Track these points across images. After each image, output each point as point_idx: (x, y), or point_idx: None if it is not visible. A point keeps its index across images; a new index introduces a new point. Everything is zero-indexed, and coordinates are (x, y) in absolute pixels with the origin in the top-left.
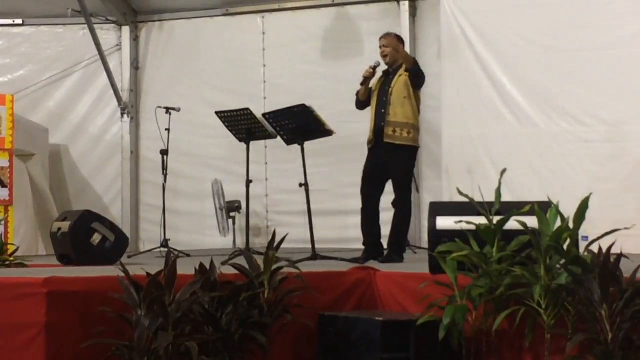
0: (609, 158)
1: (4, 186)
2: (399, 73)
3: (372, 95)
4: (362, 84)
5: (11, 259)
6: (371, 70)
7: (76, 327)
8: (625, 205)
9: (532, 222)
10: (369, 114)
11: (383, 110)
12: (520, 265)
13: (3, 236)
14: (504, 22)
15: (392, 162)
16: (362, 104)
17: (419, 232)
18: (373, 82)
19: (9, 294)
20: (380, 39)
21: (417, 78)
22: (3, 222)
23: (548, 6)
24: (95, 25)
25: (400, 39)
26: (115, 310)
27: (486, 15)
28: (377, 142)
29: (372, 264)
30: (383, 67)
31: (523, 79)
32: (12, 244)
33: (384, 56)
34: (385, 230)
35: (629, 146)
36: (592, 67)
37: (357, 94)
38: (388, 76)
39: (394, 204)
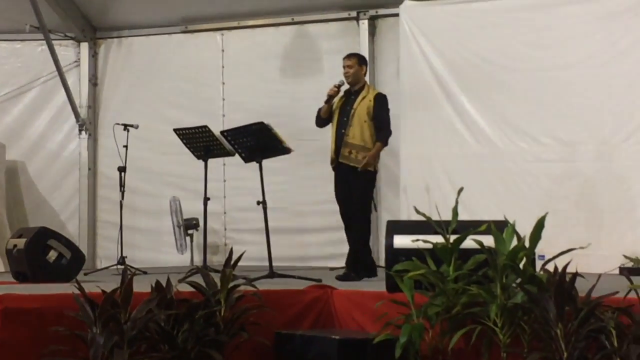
0: (565, 177)
1: None
2: (362, 95)
3: (333, 114)
4: (326, 102)
5: None
6: (336, 89)
7: (31, 345)
8: (581, 224)
9: (488, 241)
10: (328, 132)
11: (343, 131)
12: (477, 284)
13: None
14: (463, 41)
15: (351, 182)
16: (323, 121)
17: (377, 250)
18: (334, 101)
19: None
20: (344, 58)
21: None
22: None
23: (506, 26)
24: (53, 42)
25: (363, 60)
26: (71, 327)
27: (445, 34)
28: (337, 163)
29: (331, 282)
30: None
31: (481, 99)
32: None
33: (346, 76)
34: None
35: (584, 166)
36: (549, 87)
37: (319, 111)
38: (350, 96)
39: (354, 223)
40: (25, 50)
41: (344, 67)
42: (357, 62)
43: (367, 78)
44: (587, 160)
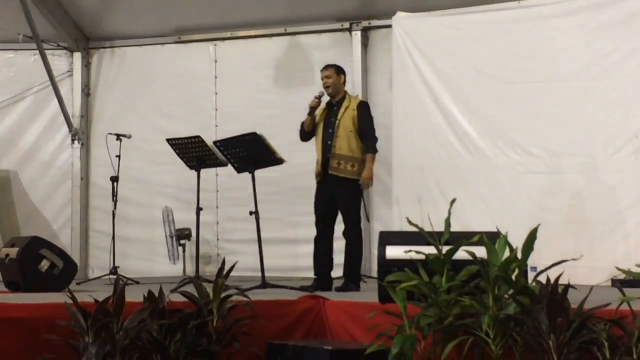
0: (556, 189)
1: None
2: (344, 105)
3: (316, 126)
4: (308, 114)
5: None
6: (317, 100)
7: (23, 354)
8: (572, 236)
9: (480, 252)
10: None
11: (329, 142)
12: (469, 295)
13: None
14: (455, 53)
15: (338, 194)
16: (307, 134)
17: (369, 261)
18: (316, 113)
19: None
20: (322, 70)
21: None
22: None
23: (498, 38)
24: (46, 51)
25: (340, 70)
26: (63, 337)
27: (437, 45)
28: (324, 174)
29: (323, 292)
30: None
31: (473, 110)
32: None
33: (326, 87)
34: (338, 259)
35: (574, 177)
36: (541, 99)
37: (302, 124)
38: (332, 107)
39: (344, 234)
40: (18, 59)
41: (322, 78)
42: (335, 72)
43: (359, 89)
44: (577, 172)
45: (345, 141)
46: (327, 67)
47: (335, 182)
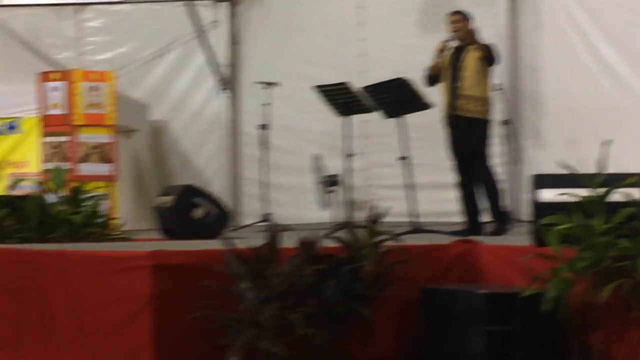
0: None
1: (108, 162)
2: (469, 48)
3: (443, 70)
4: (436, 59)
5: (116, 232)
6: (444, 44)
7: (181, 300)
8: None
9: (637, 193)
10: None
11: (456, 85)
12: (625, 237)
13: (108, 211)
14: None
15: (467, 135)
16: (433, 79)
17: (519, 204)
18: (444, 56)
19: (115, 267)
20: (450, 16)
21: (490, 62)
22: (108, 197)
23: None
24: (193, 2)
25: (467, 15)
26: (220, 283)
27: None
28: (452, 117)
29: (475, 237)
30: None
31: (626, 49)
32: (117, 219)
33: (455, 31)
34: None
35: None
36: None
37: (428, 69)
38: (459, 51)
39: (477, 177)
40: (164, 11)
41: (450, 23)
42: (462, 18)
43: (505, 31)
44: None
45: (471, 82)
46: (454, 13)
47: (462, 123)
